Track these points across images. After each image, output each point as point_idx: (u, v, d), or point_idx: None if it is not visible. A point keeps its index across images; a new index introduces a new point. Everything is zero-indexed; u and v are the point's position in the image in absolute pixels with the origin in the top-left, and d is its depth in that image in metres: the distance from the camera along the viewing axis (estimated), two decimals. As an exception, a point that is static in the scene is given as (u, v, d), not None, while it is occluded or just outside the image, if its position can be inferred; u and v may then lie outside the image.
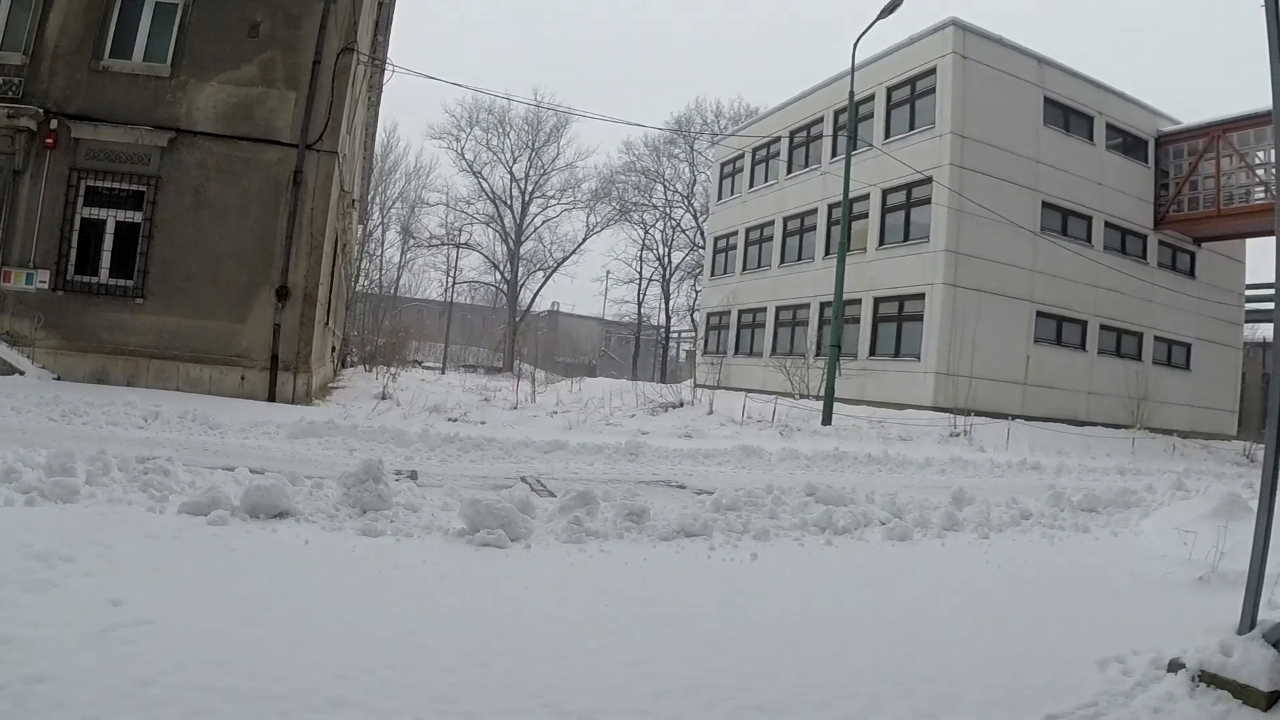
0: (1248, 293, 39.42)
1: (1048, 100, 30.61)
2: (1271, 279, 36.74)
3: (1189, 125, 33.89)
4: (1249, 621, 4.24)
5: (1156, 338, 33.89)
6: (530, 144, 65.76)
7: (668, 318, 69.45)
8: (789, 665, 4.25)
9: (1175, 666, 4.25)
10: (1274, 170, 30.33)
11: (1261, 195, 30.69)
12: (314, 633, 4.09)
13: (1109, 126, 32.51)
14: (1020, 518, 9.25)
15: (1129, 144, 33.25)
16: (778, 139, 38.22)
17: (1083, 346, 31.43)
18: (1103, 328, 31.90)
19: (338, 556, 5.59)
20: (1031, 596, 6.13)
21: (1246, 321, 40.42)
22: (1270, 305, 42.90)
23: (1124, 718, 3.86)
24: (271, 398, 16.49)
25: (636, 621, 4.79)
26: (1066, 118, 31.34)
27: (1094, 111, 32.03)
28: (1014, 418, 25.47)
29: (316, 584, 4.92)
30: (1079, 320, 31.11)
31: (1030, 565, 7.20)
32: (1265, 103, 31.68)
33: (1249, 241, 36.98)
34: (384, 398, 19.94)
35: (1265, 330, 45.57)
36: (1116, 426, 29.50)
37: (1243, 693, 3.98)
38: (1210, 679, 4.10)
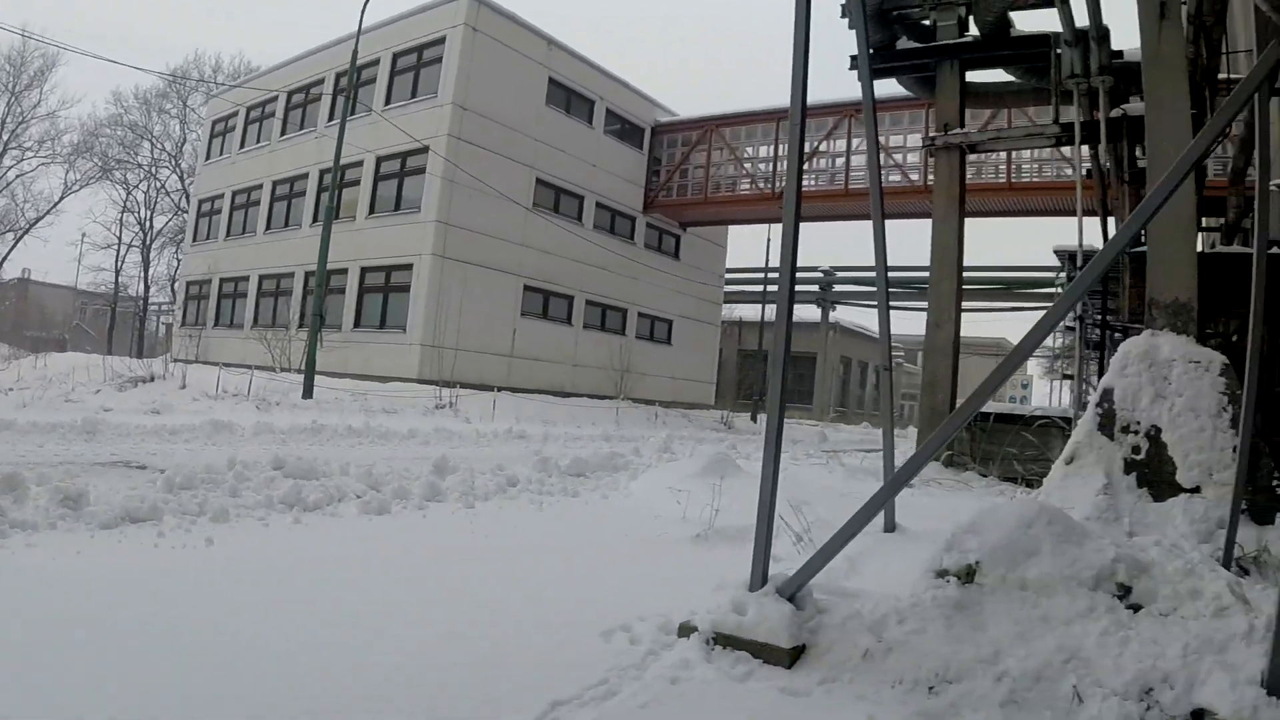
0: (728, 275, 43.25)
1: (553, 81, 31.76)
2: (746, 264, 40.37)
3: (685, 118, 36.84)
4: (760, 577, 4.14)
5: (640, 314, 36.36)
6: (10, 87, 57.19)
7: (146, 288, 64.32)
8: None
9: (687, 630, 4.03)
10: (760, 164, 33.35)
11: (747, 186, 33.65)
12: None
13: (609, 112, 34.41)
14: (507, 484, 8.99)
15: (626, 130, 35.40)
16: (275, 98, 36.28)
17: (569, 321, 32.90)
18: (589, 303, 33.63)
19: None
20: (520, 567, 5.72)
21: (725, 302, 44.30)
22: (746, 287, 47.46)
23: (638, 692, 3.52)
24: None
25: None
26: (569, 100, 32.72)
27: (596, 96, 33.69)
28: (500, 389, 26.00)
29: None
30: (566, 295, 32.54)
31: (519, 532, 6.89)
32: (756, 103, 34.89)
33: (731, 228, 40.68)
34: None
35: (742, 309, 50.25)
36: (601, 397, 31.17)
37: (763, 651, 3.84)
38: (726, 640, 3.92)
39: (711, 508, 6.89)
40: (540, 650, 3.97)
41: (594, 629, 4.23)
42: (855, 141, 31.75)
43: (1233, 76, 14.80)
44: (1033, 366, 63.33)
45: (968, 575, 4.41)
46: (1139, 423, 6.78)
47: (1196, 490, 6.48)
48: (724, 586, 4.21)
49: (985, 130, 18.97)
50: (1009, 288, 45.70)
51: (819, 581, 4.21)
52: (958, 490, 11.22)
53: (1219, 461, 6.52)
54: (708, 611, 4.03)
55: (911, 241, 20.98)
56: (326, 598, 4.62)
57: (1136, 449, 6.72)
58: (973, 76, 16.79)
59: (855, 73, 16.71)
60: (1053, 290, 39.85)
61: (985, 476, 12.85)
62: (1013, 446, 12.79)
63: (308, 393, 21.68)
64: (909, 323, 68.86)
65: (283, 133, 35.82)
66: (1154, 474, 6.60)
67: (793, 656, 3.85)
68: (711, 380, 42.17)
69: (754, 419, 39.24)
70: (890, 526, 6.71)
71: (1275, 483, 6.50)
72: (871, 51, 15.74)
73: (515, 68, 30.03)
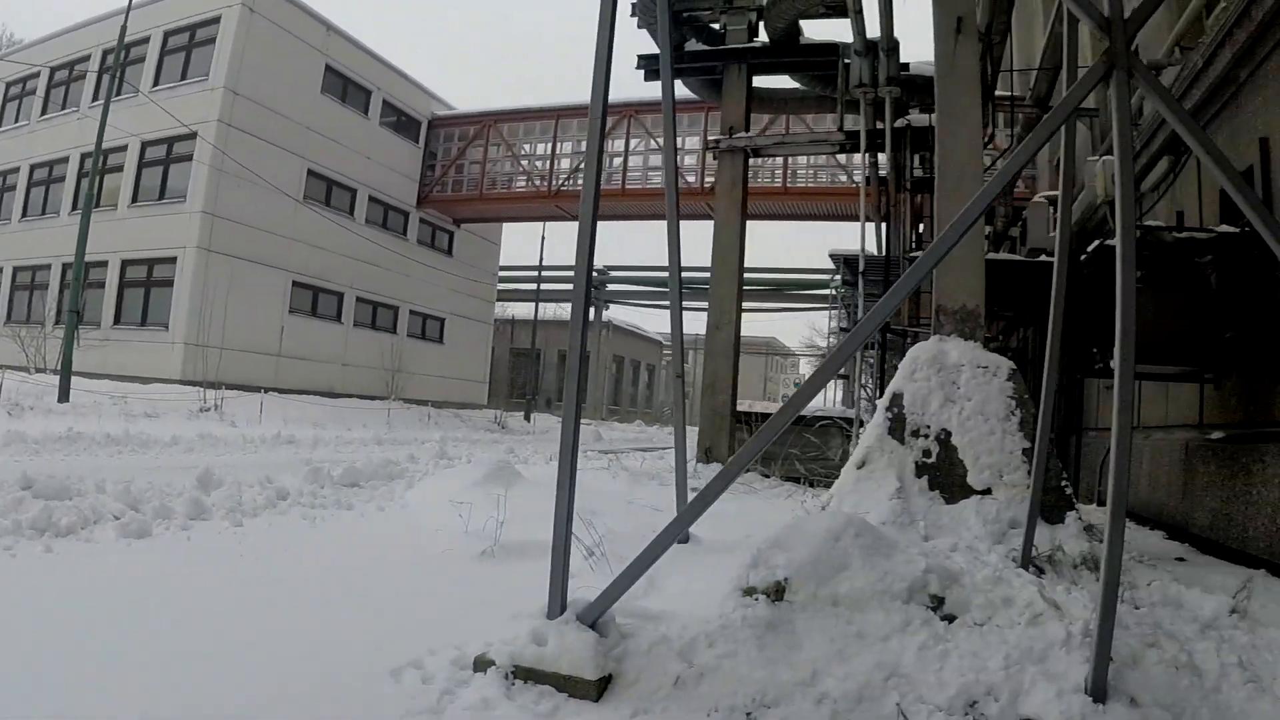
0: (501, 273, 42.85)
1: (329, 69, 30.72)
2: (519, 262, 40.21)
3: (462, 112, 36.21)
4: (559, 603, 3.76)
5: (413, 311, 35.62)
6: None
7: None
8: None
9: (484, 664, 3.59)
10: (537, 162, 33.12)
11: (523, 183, 33.34)
12: None
13: (385, 103, 33.57)
14: (277, 498, 8.26)
15: (403, 123, 34.57)
16: (36, 74, 33.54)
17: (339, 318, 31.89)
18: (360, 300, 32.69)
19: None
20: (295, 597, 4.99)
21: (498, 300, 43.91)
22: (519, 285, 47.21)
23: (438, 736, 3.10)
24: None
25: None
26: (345, 89, 31.72)
27: (373, 87, 32.82)
28: (268, 390, 25.06)
29: None
30: (336, 292, 31.54)
31: (291, 554, 6.17)
32: (534, 99, 34.80)
33: (505, 226, 40.30)
34: None
35: (515, 308, 49.95)
36: (372, 398, 30.36)
37: (568, 684, 3.47)
38: (528, 674, 3.52)
39: (496, 520, 6.45)
40: (321, 699, 3.42)
41: (381, 667, 3.67)
42: (634, 142, 31.83)
43: (1014, 94, 15.49)
44: (804, 367, 65.55)
45: (777, 593, 4.20)
46: (929, 426, 6.81)
47: (988, 492, 6.57)
48: (521, 615, 3.81)
49: (767, 135, 19.21)
50: (780, 289, 47.04)
51: (619, 603, 3.86)
52: (743, 493, 11.14)
53: (1009, 464, 6.61)
54: (505, 643, 3.61)
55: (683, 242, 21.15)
56: (54, 652, 3.88)
57: (928, 452, 6.75)
58: (759, 82, 17.02)
59: (641, 73, 16.95)
60: (826, 292, 41.09)
61: (768, 477, 12.95)
62: (794, 447, 12.93)
63: (64, 396, 20.33)
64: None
65: (43, 112, 33.32)
66: (945, 477, 6.63)
67: (600, 688, 3.51)
68: (484, 380, 41.66)
69: (528, 419, 39.03)
70: (684, 537, 6.44)
71: (1063, 483, 6.61)
72: (658, 53, 15.77)
73: (291, 53, 28.89)
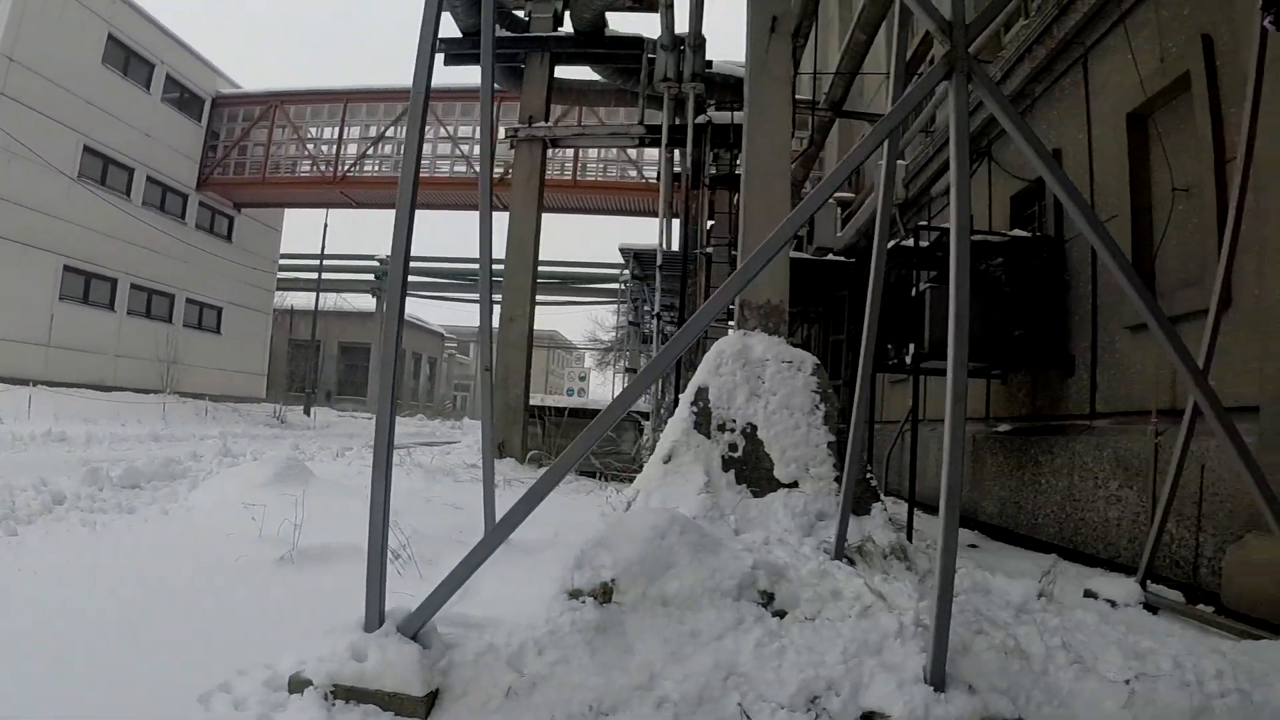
0: (282, 261, 41.29)
1: (113, 39, 28.58)
2: (300, 249, 38.91)
3: (249, 91, 34.51)
4: (377, 615, 3.49)
5: (189, 300, 33.69)
6: None
7: None
8: None
9: (299, 685, 3.27)
10: (324, 146, 32.06)
11: (308, 168, 32.16)
12: None
13: (169, 78, 31.50)
14: (53, 502, 7.50)
15: (185, 100, 32.58)
16: None
17: (112, 306, 29.76)
18: (134, 287, 30.64)
19: None
20: (83, 617, 4.32)
21: (278, 289, 42.32)
22: (299, 274, 45.76)
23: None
24: None
25: None
26: (128, 61, 29.57)
27: (157, 60, 30.74)
28: (37, 384, 23.24)
29: None
30: (109, 278, 29.46)
31: (73, 566, 5.41)
32: (324, 80, 33.64)
33: (288, 211, 38.82)
34: None
35: (294, 298, 48.26)
36: (146, 391, 28.66)
37: (393, 702, 3.20)
38: (349, 693, 3.22)
39: (292, 524, 6.03)
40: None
41: (187, 693, 3.26)
42: (428, 130, 31.10)
43: (815, 99, 15.82)
44: (588, 360, 65.82)
45: (605, 594, 4.07)
46: (735, 421, 6.78)
47: (795, 485, 6.57)
48: (336, 629, 3.47)
49: (565, 126, 19.11)
50: (565, 282, 47.03)
51: (439, 612, 3.63)
52: (542, 489, 10.93)
53: (815, 457, 6.65)
54: (321, 660, 3.29)
55: (456, 231, 20.85)
56: None
57: (734, 446, 6.72)
58: (561, 72, 16.86)
59: (440, 56, 16.54)
60: (613, 286, 41.26)
61: (563, 471, 12.76)
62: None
63: None
64: (459, 313, 69.55)
65: None
66: (753, 470, 6.62)
67: (428, 704, 3.27)
68: (263, 372, 39.94)
69: (308, 413, 37.74)
70: (493, 538, 6.23)
71: (868, 475, 6.69)
72: (461, 36, 15.46)
73: (73, 17, 26.50)
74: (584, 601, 3.98)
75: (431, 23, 3.94)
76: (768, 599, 4.23)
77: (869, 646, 3.74)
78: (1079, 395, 8.13)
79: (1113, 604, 5.52)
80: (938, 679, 3.41)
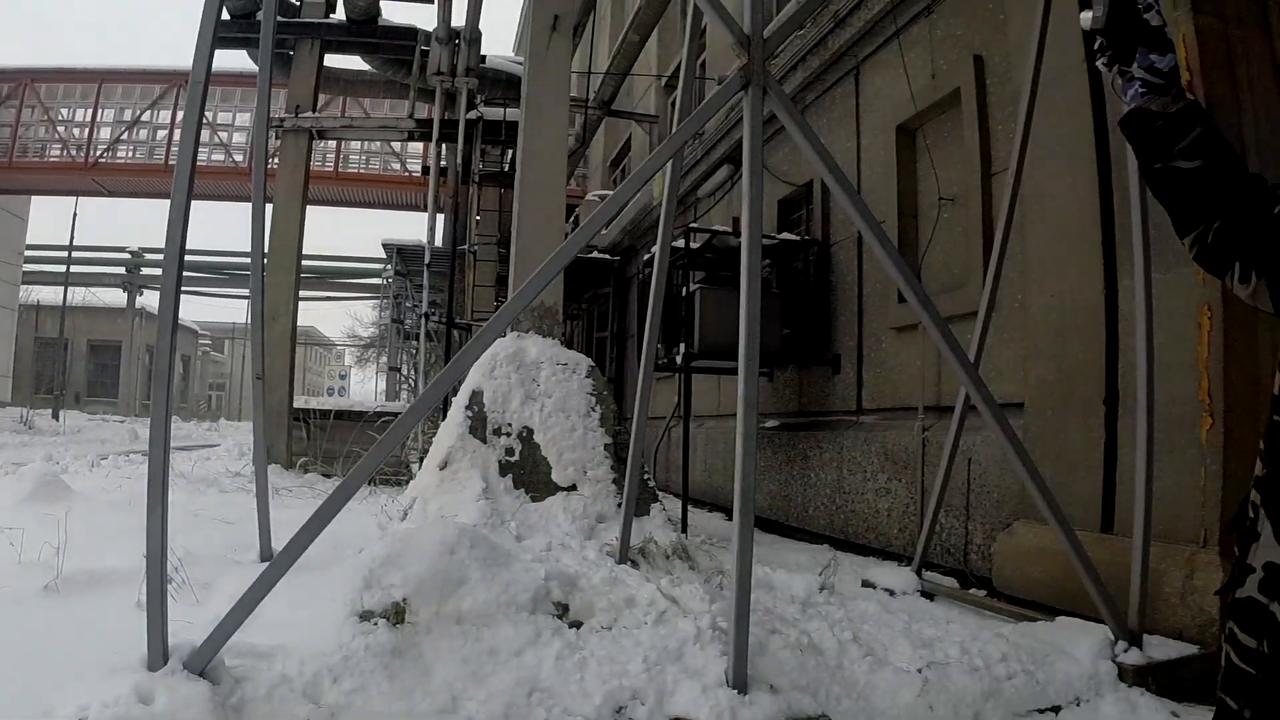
0: (28, 253, 38.44)
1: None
2: (48, 240, 36.50)
3: (-4, 68, 31.64)
4: (160, 652, 3.21)
5: (-75, 295, 30.82)
6: None
7: None
8: None
9: (84, 734, 2.98)
10: (76, 129, 30.03)
11: (58, 152, 29.98)
12: None
13: (-92, 53, 28.62)
14: None
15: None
16: None
17: None
18: None
19: None
20: None
21: (24, 283, 39.42)
22: (47, 266, 42.66)
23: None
24: None
25: None
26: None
27: (-107, 31, 27.83)
28: None
29: None
30: None
31: None
32: (78, 59, 31.44)
33: (35, 199, 36.11)
34: None
35: (41, 293, 44.98)
36: None
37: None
38: (131, 742, 2.96)
39: (54, 547, 5.48)
40: None
41: None
42: (180, 115, 29.41)
43: (585, 97, 15.85)
44: (348, 358, 64.15)
45: (397, 615, 3.89)
46: (511, 424, 6.71)
47: (573, 488, 6.55)
48: (118, 668, 3.18)
49: (333, 116, 18.50)
50: (324, 277, 45.65)
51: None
52: (309, 497, 10.38)
53: (592, 459, 6.65)
54: (105, 705, 2.97)
55: (207, 221, 19.92)
56: None
57: (511, 451, 6.64)
58: (331, 61, 16.29)
59: (202, 39, 15.55)
60: (375, 281, 40.32)
61: (330, 477, 12.35)
62: (356, 444, 12.45)
63: None
64: (212, 309, 66.78)
65: None
66: (531, 475, 6.56)
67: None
68: (8, 373, 37.23)
69: (56, 417, 35.23)
70: (268, 555, 5.87)
71: (646, 475, 6.72)
72: (230, 18, 14.67)
73: None
74: (376, 624, 3.80)
75: (215, 4, 3.64)
76: (563, 610, 4.17)
77: (669, 653, 3.73)
78: (846, 392, 8.42)
79: (891, 593, 5.74)
80: (740, 681, 3.43)
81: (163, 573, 3.32)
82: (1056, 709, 3.77)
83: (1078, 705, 3.81)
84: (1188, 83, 4.54)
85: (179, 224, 3.42)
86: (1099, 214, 5.11)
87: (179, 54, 31.76)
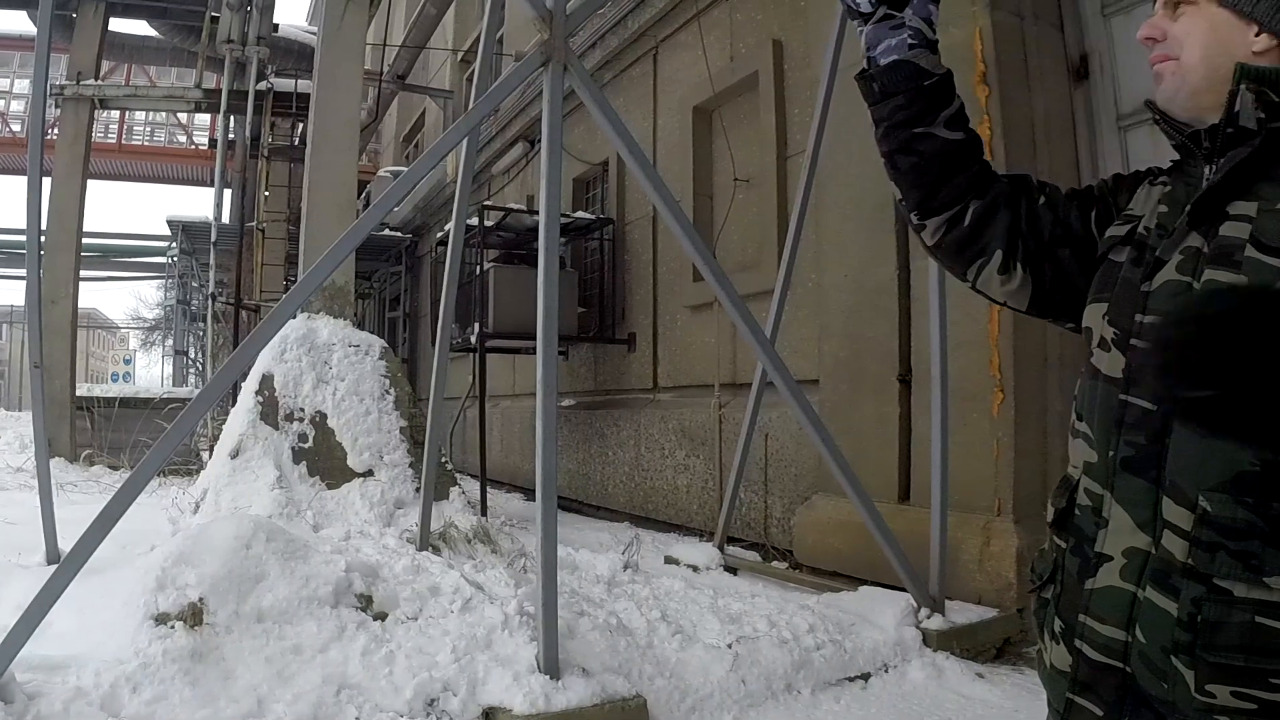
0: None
1: None
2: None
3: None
4: None
5: None
6: None
7: None
8: None
9: None
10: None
11: None
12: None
13: None
14: None
15: None
16: None
17: None
18: None
19: None
20: None
21: None
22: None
23: None
24: None
25: None
26: None
27: None
28: None
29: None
30: None
31: None
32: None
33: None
34: None
35: None
36: None
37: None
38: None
39: None
40: None
41: None
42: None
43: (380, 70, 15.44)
44: (133, 341, 60.89)
45: (195, 616, 3.70)
46: (304, 409, 6.54)
47: (370, 474, 6.43)
48: None
49: (112, 84, 17.39)
50: (107, 255, 43.10)
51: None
52: (95, 491, 9.82)
53: (388, 443, 6.56)
54: None
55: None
56: None
57: (304, 437, 6.47)
58: (116, 26, 15.28)
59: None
60: (160, 260, 38.24)
61: (118, 469, 11.71)
62: (144, 434, 11.82)
63: None
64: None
65: None
66: (325, 461, 6.41)
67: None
68: None
69: None
70: (55, 557, 5.51)
71: (444, 459, 6.66)
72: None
73: None
74: (173, 627, 3.61)
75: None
76: (366, 602, 4.05)
77: (478, 641, 3.71)
78: (641, 370, 8.52)
79: (695, 569, 5.85)
80: (552, 666, 3.44)
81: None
82: (866, 676, 3.94)
83: (886, 671, 3.99)
84: (982, 74, 4.81)
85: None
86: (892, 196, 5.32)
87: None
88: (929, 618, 4.28)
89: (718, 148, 7.74)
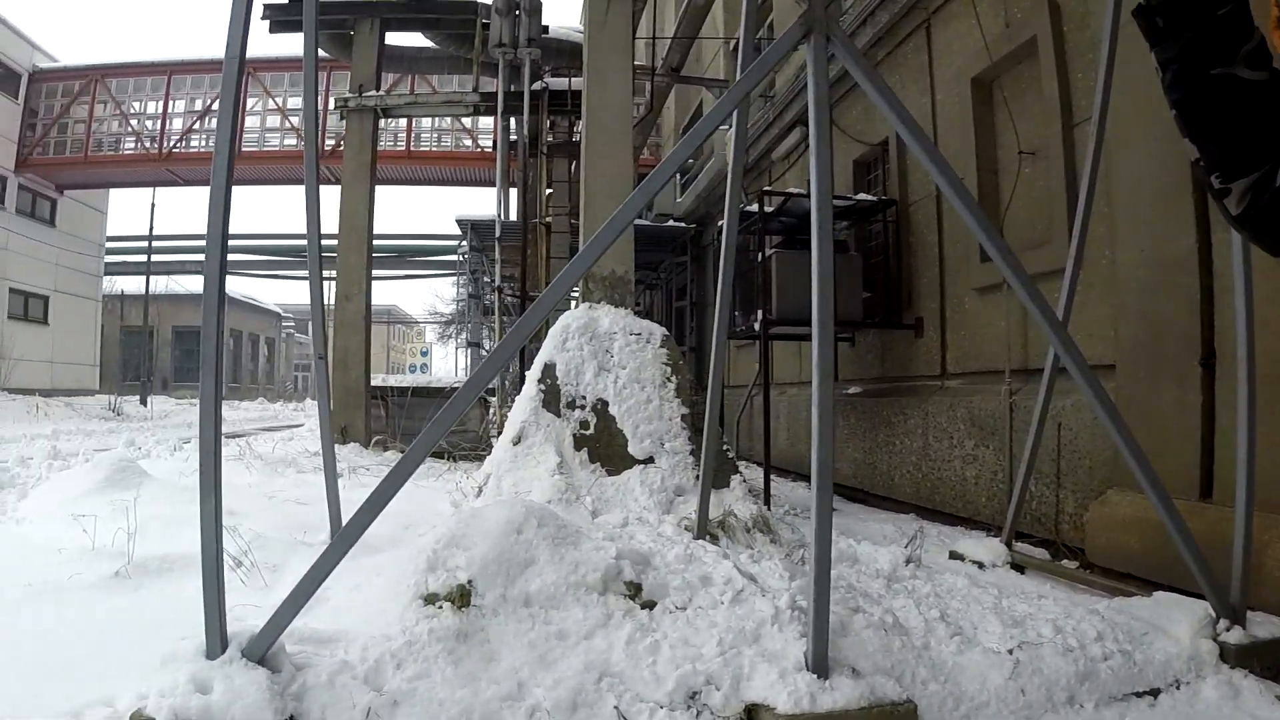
0: (109, 245, 39.26)
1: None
2: (129, 231, 37.06)
3: (68, 65, 32.33)
4: (219, 640, 3.16)
5: (12, 290, 31.57)
6: None
7: None
8: None
9: (143, 721, 2.93)
10: (148, 121, 30.47)
11: (132, 145, 30.50)
12: None
13: (-18, 53, 29.31)
14: None
15: (1, 76, 30.30)
16: None
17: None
18: (-47, 278, 28.65)
19: None
20: None
21: (106, 274, 40.23)
22: (128, 257, 43.59)
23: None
24: None
25: None
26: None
27: (-38, 30, 28.57)
28: None
29: None
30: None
31: None
32: (147, 53, 32.07)
33: (113, 192, 36.89)
34: None
35: (124, 283, 45.91)
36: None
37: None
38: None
39: (126, 533, 5.50)
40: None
41: None
42: (252, 101, 29.68)
43: (653, 64, 15.67)
44: (430, 335, 64.73)
45: (463, 598, 3.75)
46: (585, 397, 6.62)
47: (650, 461, 6.43)
48: (177, 657, 3.14)
49: (397, 95, 18.51)
50: (403, 255, 46.00)
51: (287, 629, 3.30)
52: (383, 474, 10.36)
53: (669, 431, 6.53)
54: (163, 694, 2.92)
55: (291, 206, 20.15)
56: None
57: (585, 424, 6.55)
58: (393, 39, 16.33)
59: (265, 25, 15.75)
60: (452, 258, 40.49)
61: (408, 454, 12.33)
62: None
63: None
64: (296, 291, 67.92)
65: None
66: (606, 448, 6.46)
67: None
68: (94, 363, 37.95)
69: (144, 403, 35.96)
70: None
71: (725, 446, 6.58)
72: (288, 2, 14.72)
73: None
74: (441, 607, 3.69)
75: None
76: (635, 590, 3.99)
77: (746, 635, 3.58)
78: (929, 356, 8.18)
79: (980, 565, 5.55)
80: (820, 665, 3.27)
81: (218, 559, 3.23)
82: (1155, 692, 3.55)
83: (1177, 688, 3.58)
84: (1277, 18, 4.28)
85: (220, 207, 3.34)
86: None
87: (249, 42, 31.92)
88: (1228, 630, 3.80)
89: (999, 120, 7.27)
